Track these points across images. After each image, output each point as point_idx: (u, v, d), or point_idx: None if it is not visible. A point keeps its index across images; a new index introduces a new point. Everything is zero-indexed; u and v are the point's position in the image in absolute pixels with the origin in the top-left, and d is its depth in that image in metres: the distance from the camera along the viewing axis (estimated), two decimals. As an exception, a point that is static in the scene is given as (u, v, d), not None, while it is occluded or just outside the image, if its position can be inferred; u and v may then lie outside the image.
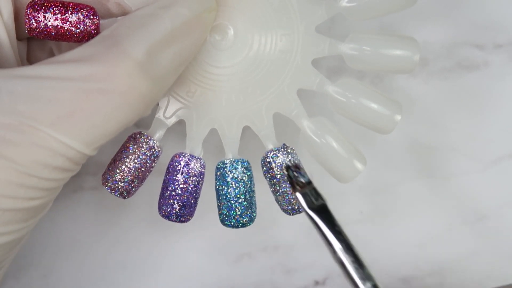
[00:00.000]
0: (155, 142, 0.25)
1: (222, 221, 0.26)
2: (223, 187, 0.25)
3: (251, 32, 0.25)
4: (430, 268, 0.34)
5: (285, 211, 0.26)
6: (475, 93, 0.33)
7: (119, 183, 0.25)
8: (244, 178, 0.25)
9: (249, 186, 0.26)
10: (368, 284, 0.22)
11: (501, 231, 0.34)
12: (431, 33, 0.33)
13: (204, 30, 0.24)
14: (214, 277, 0.34)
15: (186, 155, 0.25)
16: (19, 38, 0.26)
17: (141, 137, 0.25)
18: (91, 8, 0.24)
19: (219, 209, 0.26)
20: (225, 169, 0.25)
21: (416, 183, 0.34)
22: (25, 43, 0.26)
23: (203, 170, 0.26)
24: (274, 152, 0.25)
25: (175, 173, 0.25)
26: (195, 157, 0.25)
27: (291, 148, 0.26)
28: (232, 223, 0.26)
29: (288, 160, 0.25)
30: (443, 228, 0.34)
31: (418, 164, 0.34)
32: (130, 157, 0.25)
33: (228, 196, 0.25)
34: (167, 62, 0.22)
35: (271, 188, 0.26)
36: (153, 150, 0.25)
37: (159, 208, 0.26)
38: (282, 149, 0.26)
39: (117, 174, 0.25)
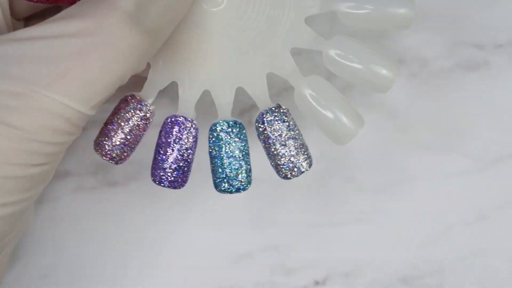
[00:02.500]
0: (147, 104, 0.25)
1: (217, 186, 0.25)
2: (217, 149, 0.25)
3: None
4: (430, 268, 0.33)
5: (282, 175, 0.26)
6: (475, 93, 0.33)
7: (111, 147, 0.25)
8: (237, 139, 0.25)
9: (244, 148, 0.25)
10: None
11: (501, 231, 0.33)
12: (431, 33, 0.33)
13: None
14: (213, 278, 0.34)
15: (179, 117, 0.25)
16: (16, 17, 0.26)
17: (133, 99, 0.25)
18: None
19: (213, 173, 0.25)
20: (218, 131, 0.25)
21: (416, 183, 0.33)
22: (22, 24, 0.26)
23: (196, 133, 0.25)
24: (268, 112, 0.25)
25: (167, 136, 0.25)
26: (188, 119, 0.25)
27: (285, 108, 0.25)
28: (226, 187, 0.25)
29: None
30: (443, 228, 0.34)
31: (418, 164, 0.34)
32: (121, 120, 0.25)
33: (222, 158, 0.25)
34: (158, 13, 0.22)
35: (266, 150, 0.26)
36: (145, 112, 0.25)
37: (152, 174, 0.25)
38: (276, 110, 0.25)
39: (109, 139, 0.25)
